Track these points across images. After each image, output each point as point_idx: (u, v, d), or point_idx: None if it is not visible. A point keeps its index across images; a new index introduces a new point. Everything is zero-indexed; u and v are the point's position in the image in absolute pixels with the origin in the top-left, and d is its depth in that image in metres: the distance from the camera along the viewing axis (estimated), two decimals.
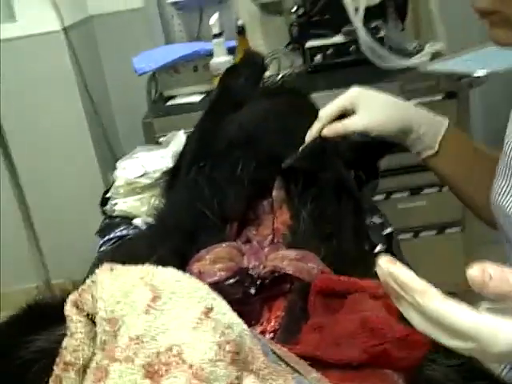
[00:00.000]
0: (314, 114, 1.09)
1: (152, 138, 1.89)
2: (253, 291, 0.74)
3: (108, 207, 1.29)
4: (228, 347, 0.44)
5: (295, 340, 0.66)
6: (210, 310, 0.45)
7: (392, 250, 1.04)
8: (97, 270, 0.48)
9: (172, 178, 1.14)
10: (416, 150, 0.91)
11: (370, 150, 1.23)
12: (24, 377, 0.54)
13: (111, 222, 1.26)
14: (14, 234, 2.50)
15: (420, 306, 0.44)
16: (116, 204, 1.28)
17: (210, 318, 0.44)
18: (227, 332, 0.44)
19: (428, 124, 0.89)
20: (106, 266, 0.48)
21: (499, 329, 0.41)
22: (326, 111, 0.90)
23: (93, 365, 0.44)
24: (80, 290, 0.49)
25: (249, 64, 1.25)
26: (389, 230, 1.06)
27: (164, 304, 0.44)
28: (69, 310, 0.48)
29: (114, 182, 1.34)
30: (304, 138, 0.93)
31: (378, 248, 1.01)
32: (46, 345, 0.54)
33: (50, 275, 2.45)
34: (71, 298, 0.49)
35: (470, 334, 0.41)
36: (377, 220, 1.08)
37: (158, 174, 1.29)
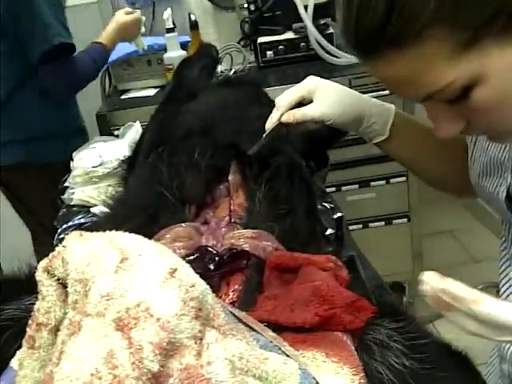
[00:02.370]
0: (267, 103, 1.14)
1: (107, 131, 1.90)
2: (212, 267, 0.78)
3: (66, 196, 1.30)
4: (192, 303, 0.48)
5: (251, 310, 0.70)
6: (175, 270, 0.49)
7: (342, 233, 1.09)
8: (66, 236, 0.51)
9: (130, 165, 1.17)
10: (368, 137, 0.96)
11: (319, 138, 1.29)
12: None
13: (69, 210, 1.27)
14: None
15: (474, 312, 0.50)
16: (74, 193, 1.29)
17: (175, 277, 0.48)
18: (191, 290, 0.48)
19: (378, 112, 0.94)
20: (74, 233, 0.51)
21: None
22: (285, 99, 0.94)
23: (65, 322, 0.47)
24: (50, 256, 0.52)
25: (203, 56, 1.29)
26: (339, 214, 1.11)
27: (132, 265, 0.48)
28: (40, 275, 0.51)
29: (71, 172, 1.35)
30: (259, 126, 0.97)
31: (329, 231, 1.07)
32: (16, 313, 0.57)
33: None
34: (42, 264, 0.52)
35: None
36: (327, 205, 1.13)
37: (114, 164, 1.31)
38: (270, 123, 0.95)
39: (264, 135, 0.95)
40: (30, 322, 0.51)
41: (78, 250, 0.49)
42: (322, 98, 0.93)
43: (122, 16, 1.92)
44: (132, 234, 0.52)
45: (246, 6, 2.21)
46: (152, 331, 0.45)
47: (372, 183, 2.14)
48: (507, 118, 0.63)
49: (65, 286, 0.51)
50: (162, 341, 0.45)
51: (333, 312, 0.65)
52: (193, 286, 0.48)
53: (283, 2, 2.13)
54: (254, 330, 0.57)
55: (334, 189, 2.11)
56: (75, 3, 2.35)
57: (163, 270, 0.48)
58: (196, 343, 0.47)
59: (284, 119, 0.93)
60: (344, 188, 2.14)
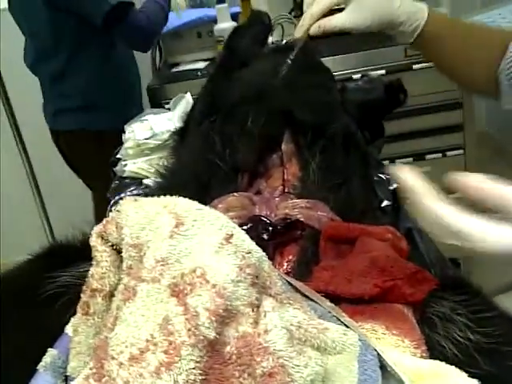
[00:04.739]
0: (322, 70, 1.11)
1: (157, 105, 1.90)
2: (265, 237, 0.76)
3: (118, 168, 1.31)
4: (248, 270, 0.46)
5: (307, 280, 0.68)
6: (231, 236, 0.47)
7: (399, 205, 1.06)
8: (121, 201, 0.50)
9: (181, 136, 1.15)
10: (395, 41, 0.95)
11: (375, 107, 1.25)
12: (51, 310, 0.56)
13: (122, 182, 1.28)
14: (21, 202, 2.54)
15: (420, 205, 0.50)
16: (126, 165, 1.30)
17: (231, 243, 0.46)
18: (247, 256, 0.47)
19: (409, 18, 0.91)
20: (129, 198, 0.50)
21: (488, 230, 0.47)
22: (319, 5, 0.89)
23: (120, 287, 0.46)
24: (104, 221, 0.51)
25: (255, 24, 1.25)
26: (395, 186, 1.08)
27: (187, 230, 0.46)
28: (94, 240, 0.50)
29: (123, 144, 1.35)
30: (314, 94, 0.94)
31: (385, 203, 1.03)
32: (71, 280, 0.57)
33: None
34: (96, 229, 0.51)
35: (464, 233, 0.47)
36: (383, 176, 1.10)
37: (166, 136, 1.30)
38: (299, 32, 0.91)
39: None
40: (84, 288, 0.50)
41: (133, 215, 0.48)
42: (354, 6, 0.88)
43: None
44: (187, 200, 0.50)
45: None
46: (208, 297, 0.43)
47: (427, 156, 2.08)
48: None
49: (119, 252, 0.50)
50: (218, 307, 0.43)
51: (393, 283, 0.63)
52: (249, 252, 0.47)
53: None
54: (312, 300, 0.55)
55: (387, 162, 2.05)
56: None
57: (219, 236, 0.46)
58: (253, 311, 0.45)
59: (312, 31, 0.89)
60: (398, 161, 2.08)
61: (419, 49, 0.96)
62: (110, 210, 1.21)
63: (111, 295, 0.48)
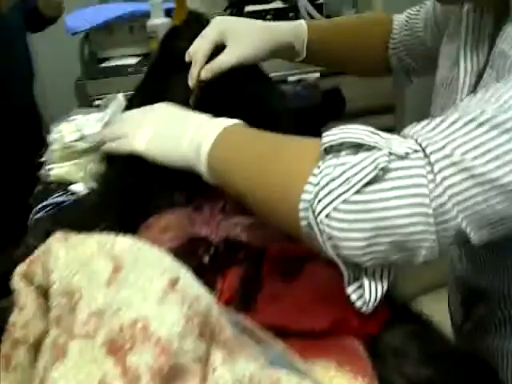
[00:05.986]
0: (264, 79, 1.07)
1: (86, 101, 1.81)
2: (206, 260, 0.72)
3: (42, 172, 1.22)
4: (196, 320, 0.41)
5: (252, 309, 0.64)
6: (176, 281, 0.42)
7: None
8: (48, 240, 0.44)
9: None
10: (288, 59, 0.99)
11: (311, 115, 1.23)
12: None
13: (46, 187, 1.19)
14: None
15: None
16: (51, 169, 1.21)
17: (177, 289, 0.41)
18: (195, 304, 0.42)
19: (294, 35, 0.95)
20: (59, 235, 0.44)
21: None
22: (199, 52, 0.88)
23: (47, 342, 0.40)
24: (28, 260, 0.44)
25: (192, 25, 1.19)
26: None
27: (126, 275, 0.41)
28: (17, 282, 0.44)
29: (48, 146, 1.26)
30: (254, 103, 0.90)
31: None
32: None
33: None
34: (19, 269, 0.44)
35: None
36: None
37: (95, 138, 1.22)
38: (192, 83, 0.89)
39: (191, 97, 0.90)
40: (4, 337, 0.43)
41: (63, 257, 0.41)
42: (234, 40, 0.88)
43: None
44: (126, 238, 0.44)
45: None
46: (151, 355, 0.38)
47: None
48: None
49: (45, 296, 0.43)
50: (163, 366, 0.38)
51: (343, 316, 0.59)
52: (197, 298, 0.42)
53: None
54: (262, 341, 0.51)
55: None
56: None
57: (163, 281, 0.41)
58: (201, 366, 0.40)
59: (203, 76, 0.88)
60: None
61: (310, 60, 1.00)
62: (33, 219, 1.14)
63: (36, 347, 0.42)
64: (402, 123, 2.07)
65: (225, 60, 0.87)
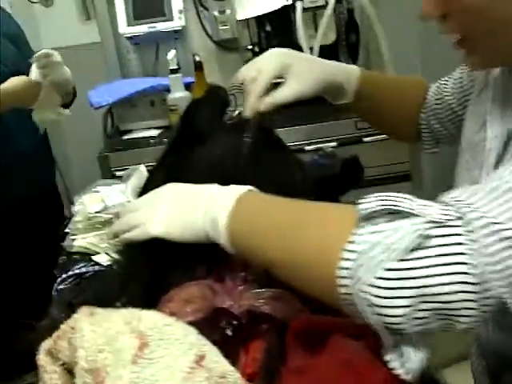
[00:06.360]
0: (282, 148, 1.09)
1: (108, 173, 1.85)
2: (229, 332, 0.71)
3: (66, 243, 1.23)
4: None
5: None
6: (202, 357, 0.41)
7: None
8: (74, 315, 0.44)
9: None
10: (333, 100, 1.01)
11: (330, 184, 1.23)
12: None
13: (70, 258, 1.20)
14: None
15: None
16: (75, 240, 1.22)
17: (203, 366, 0.41)
18: (221, 382, 0.41)
19: (345, 78, 0.97)
20: (84, 310, 0.44)
21: None
22: (260, 85, 0.90)
23: None
24: (54, 336, 0.44)
25: (212, 98, 1.23)
26: None
27: (152, 352, 0.41)
28: (42, 358, 0.44)
29: (72, 218, 1.28)
30: (275, 173, 0.92)
31: None
32: None
33: None
34: (44, 345, 0.44)
35: None
36: None
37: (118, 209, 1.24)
38: (249, 113, 0.93)
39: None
40: None
41: (89, 334, 0.41)
42: (296, 77, 0.90)
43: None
44: (152, 313, 0.45)
45: (249, 47, 2.18)
46: None
47: None
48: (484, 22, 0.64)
49: (71, 373, 0.43)
50: None
51: None
52: (223, 376, 0.41)
53: (288, 43, 2.10)
54: None
55: None
56: (79, 43, 2.32)
57: (189, 358, 0.41)
58: None
59: (263, 108, 0.91)
60: None
61: (352, 106, 1.02)
62: (57, 290, 1.14)
63: None
64: (421, 190, 2.07)
65: (283, 95, 0.89)
